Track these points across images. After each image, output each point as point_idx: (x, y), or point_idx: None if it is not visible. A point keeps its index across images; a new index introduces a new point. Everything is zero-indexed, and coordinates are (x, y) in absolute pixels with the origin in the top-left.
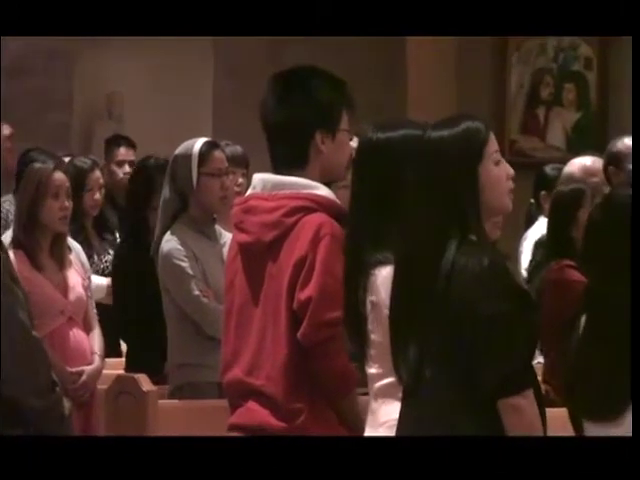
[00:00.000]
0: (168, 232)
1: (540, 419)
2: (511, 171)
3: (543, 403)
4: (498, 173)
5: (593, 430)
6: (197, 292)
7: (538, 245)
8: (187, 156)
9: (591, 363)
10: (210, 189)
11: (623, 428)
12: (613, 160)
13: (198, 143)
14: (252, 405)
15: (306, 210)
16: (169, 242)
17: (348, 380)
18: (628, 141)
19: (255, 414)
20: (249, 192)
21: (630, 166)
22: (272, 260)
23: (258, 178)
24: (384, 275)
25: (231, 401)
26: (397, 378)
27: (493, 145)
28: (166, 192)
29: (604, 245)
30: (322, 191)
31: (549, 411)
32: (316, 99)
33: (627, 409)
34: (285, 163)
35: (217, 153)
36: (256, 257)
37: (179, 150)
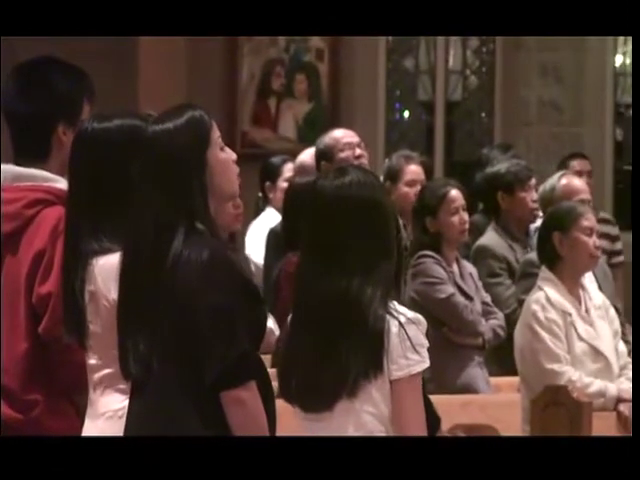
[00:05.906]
0: None
1: (264, 412)
2: (234, 155)
3: (272, 396)
4: (226, 157)
5: (307, 425)
6: None
7: (271, 235)
8: None
9: (297, 355)
10: None
11: (331, 422)
12: (323, 155)
13: None
14: None
15: (45, 203)
16: None
17: (86, 375)
18: (336, 133)
19: None
20: None
21: (341, 154)
22: (11, 252)
23: None
24: (101, 264)
25: None
26: (122, 372)
27: (216, 131)
28: None
29: (311, 235)
30: (62, 184)
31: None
32: (57, 91)
33: (334, 404)
34: (27, 155)
35: None
36: None
37: None
